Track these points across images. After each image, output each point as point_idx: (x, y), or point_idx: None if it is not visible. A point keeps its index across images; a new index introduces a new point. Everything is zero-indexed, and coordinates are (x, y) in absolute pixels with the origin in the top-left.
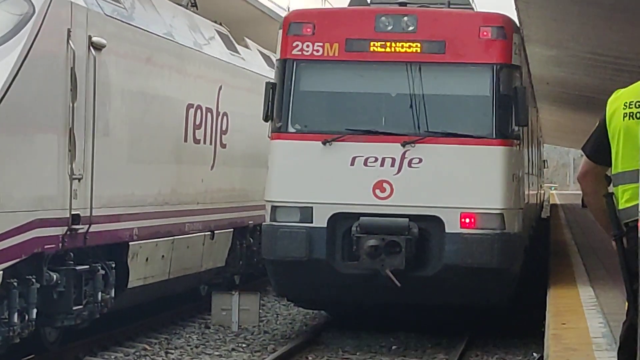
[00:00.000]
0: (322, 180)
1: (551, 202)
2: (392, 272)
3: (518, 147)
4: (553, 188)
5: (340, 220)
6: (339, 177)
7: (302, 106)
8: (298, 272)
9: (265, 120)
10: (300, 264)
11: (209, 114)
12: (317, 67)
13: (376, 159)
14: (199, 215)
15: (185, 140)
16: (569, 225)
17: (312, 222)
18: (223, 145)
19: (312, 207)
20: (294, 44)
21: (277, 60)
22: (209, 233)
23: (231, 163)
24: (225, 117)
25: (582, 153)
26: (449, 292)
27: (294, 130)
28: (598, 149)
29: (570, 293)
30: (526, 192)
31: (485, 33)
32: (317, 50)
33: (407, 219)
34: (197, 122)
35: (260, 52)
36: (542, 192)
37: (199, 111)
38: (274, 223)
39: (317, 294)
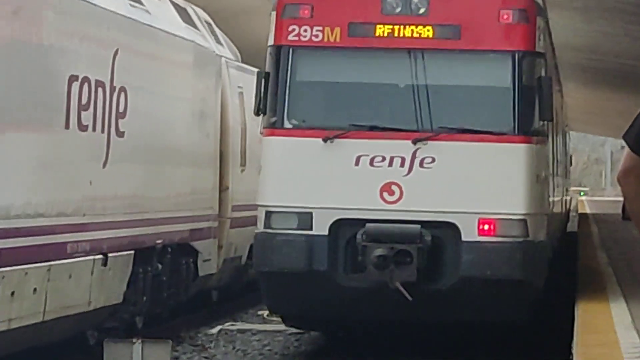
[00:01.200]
0: (322, 182)
1: (579, 212)
2: (402, 284)
3: (542, 144)
4: (582, 193)
5: (344, 227)
6: (341, 179)
7: (300, 99)
8: (295, 285)
9: (257, 114)
10: (298, 277)
11: (100, 90)
12: (317, 55)
13: (384, 159)
14: (86, 232)
15: (67, 127)
16: (603, 245)
17: (311, 229)
18: (120, 134)
19: (311, 213)
20: (290, 29)
21: (270, 46)
22: (100, 257)
23: (132, 158)
24: (123, 94)
25: (624, 144)
26: (465, 307)
27: (290, 126)
28: None
29: (606, 339)
30: (550, 198)
31: (505, 16)
32: (316, 36)
33: (418, 226)
34: (84, 101)
35: (173, 4)
36: (568, 197)
37: (86, 85)
38: (268, 230)
39: (316, 311)
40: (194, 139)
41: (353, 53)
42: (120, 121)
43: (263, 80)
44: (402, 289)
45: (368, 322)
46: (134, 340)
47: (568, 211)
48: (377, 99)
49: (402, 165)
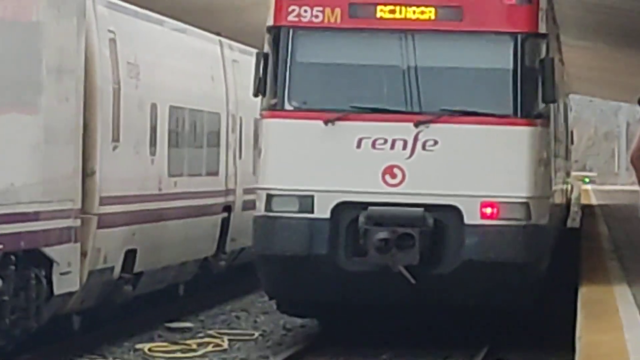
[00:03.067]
0: (324, 165)
1: (583, 203)
2: (404, 268)
3: (545, 127)
4: (587, 180)
5: (345, 211)
6: (343, 162)
7: (301, 80)
8: (296, 270)
9: (256, 95)
10: (299, 261)
11: None
12: (317, 36)
13: (385, 141)
14: None
15: None
16: (616, 250)
17: (313, 213)
18: None
19: (313, 196)
20: (290, 9)
21: (269, 26)
22: None
23: None
24: None
25: None
26: (468, 291)
27: (291, 108)
28: None
29: None
30: (552, 183)
31: None
32: (317, 16)
33: (421, 209)
34: None
35: None
36: (569, 186)
37: None
38: (269, 213)
39: (317, 296)
40: (47, 105)
41: (354, 34)
42: None
43: (262, 61)
44: (405, 272)
45: (368, 307)
46: None
47: (568, 201)
48: (378, 81)
49: (404, 148)
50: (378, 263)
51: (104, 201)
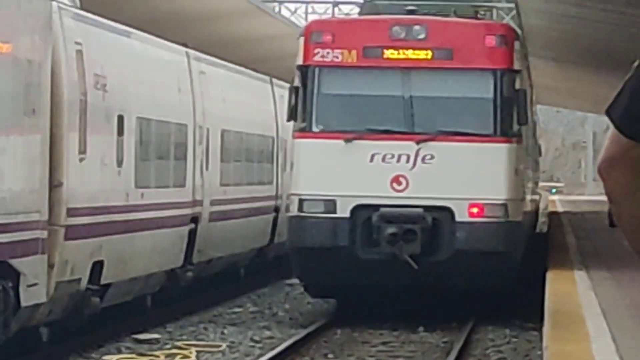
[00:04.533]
0: (344, 175)
1: (551, 214)
2: (409, 256)
3: (519, 144)
4: (554, 190)
5: (362, 211)
6: (359, 172)
7: (325, 108)
8: (322, 258)
9: (289, 120)
10: (325, 251)
11: None
12: (338, 72)
13: (393, 156)
14: None
15: None
16: (584, 263)
17: (336, 213)
18: None
19: (335, 200)
20: (316, 51)
21: (299, 65)
22: None
23: None
24: None
25: (608, 122)
26: (460, 275)
27: (317, 130)
28: (636, 112)
29: None
30: (525, 192)
31: (489, 41)
32: (337, 57)
33: (422, 209)
34: None
35: None
36: (537, 196)
37: None
38: (300, 214)
39: (338, 280)
40: (13, 116)
41: (367, 71)
42: None
43: (294, 93)
44: (409, 259)
45: (381, 288)
46: None
47: (537, 209)
48: (387, 108)
49: (408, 161)
50: (388, 252)
51: (71, 213)
